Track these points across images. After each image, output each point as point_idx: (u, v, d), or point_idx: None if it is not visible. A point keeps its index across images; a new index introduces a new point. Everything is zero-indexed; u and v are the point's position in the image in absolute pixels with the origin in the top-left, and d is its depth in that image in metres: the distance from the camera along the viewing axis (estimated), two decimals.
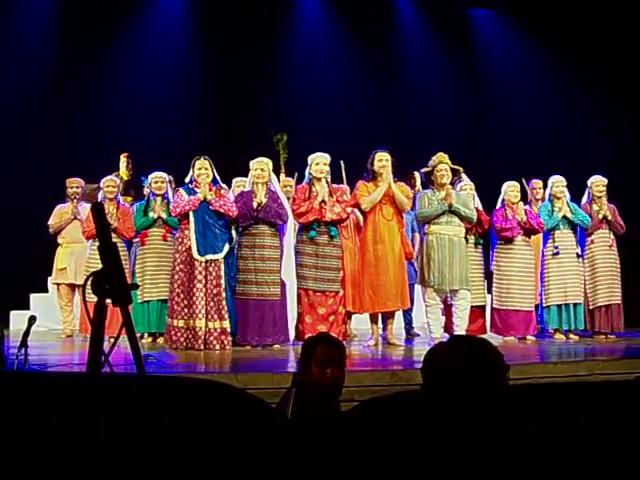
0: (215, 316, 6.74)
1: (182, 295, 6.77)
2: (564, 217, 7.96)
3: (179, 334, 6.75)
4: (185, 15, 11.56)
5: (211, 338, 6.71)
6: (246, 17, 11.14)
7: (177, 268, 6.84)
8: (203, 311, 6.70)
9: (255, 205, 6.96)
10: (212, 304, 6.73)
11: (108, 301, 1.45)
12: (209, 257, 6.78)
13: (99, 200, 7.76)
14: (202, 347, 6.65)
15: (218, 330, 6.73)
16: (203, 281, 6.74)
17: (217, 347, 6.69)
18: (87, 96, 10.69)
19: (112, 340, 1.70)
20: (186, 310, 6.75)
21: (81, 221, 8.08)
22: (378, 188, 7.10)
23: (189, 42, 11.48)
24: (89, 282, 1.44)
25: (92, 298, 1.61)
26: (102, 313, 1.39)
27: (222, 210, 6.88)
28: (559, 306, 8.00)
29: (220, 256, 6.85)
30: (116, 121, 10.52)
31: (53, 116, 10.51)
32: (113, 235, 7.51)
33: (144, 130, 10.40)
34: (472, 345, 1.96)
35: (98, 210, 1.40)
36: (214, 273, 6.78)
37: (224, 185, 7.81)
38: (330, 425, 3.36)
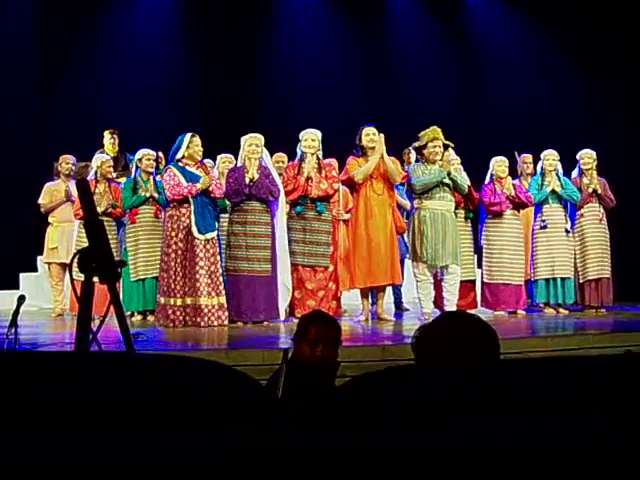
0: (213, 293, 6.74)
1: (181, 274, 6.75)
2: (553, 191, 7.96)
3: (178, 312, 6.73)
4: None
5: (209, 314, 6.73)
6: None
7: (173, 247, 6.78)
8: (207, 289, 6.70)
9: (247, 180, 6.93)
10: (209, 281, 6.73)
11: (96, 279, 1.44)
12: (208, 236, 6.79)
13: (91, 177, 7.71)
14: (203, 324, 6.65)
15: (216, 306, 6.74)
16: (204, 259, 6.74)
17: (215, 323, 6.71)
18: (75, 74, 10.59)
19: (100, 318, 1.68)
20: (186, 289, 6.73)
21: (73, 202, 8.00)
22: (370, 159, 7.07)
23: (177, 21, 11.34)
24: (75, 260, 1.43)
25: (81, 277, 1.60)
26: (89, 291, 1.37)
27: (214, 193, 6.91)
28: (547, 280, 8.02)
29: (216, 233, 6.89)
30: (103, 98, 10.42)
31: (41, 94, 10.41)
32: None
33: (130, 107, 10.31)
34: (465, 321, 1.95)
35: (83, 186, 1.38)
36: (211, 250, 6.80)
37: (210, 161, 7.79)
38: (321, 403, 3.37)
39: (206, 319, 6.69)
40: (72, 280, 1.49)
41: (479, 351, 1.91)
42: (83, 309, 1.35)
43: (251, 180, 6.93)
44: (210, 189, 6.86)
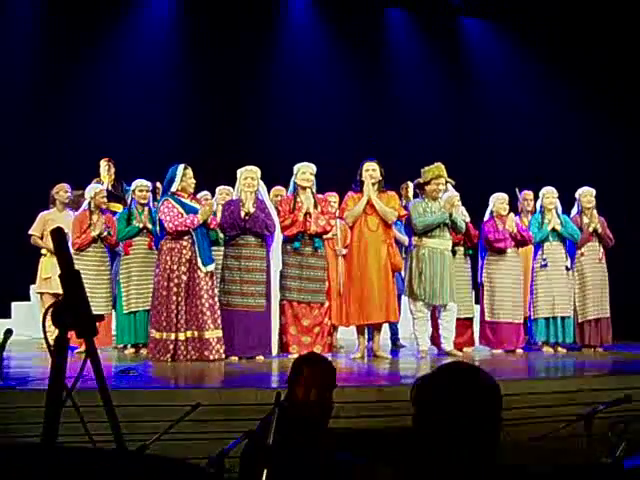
0: (212, 325, 6.63)
1: (184, 308, 6.60)
2: (553, 229, 7.89)
3: (182, 347, 6.57)
4: (170, 21, 11.46)
5: (217, 347, 6.63)
6: (233, 24, 11.08)
7: (176, 280, 6.62)
8: (209, 321, 6.59)
9: (243, 214, 6.84)
10: (208, 314, 6.62)
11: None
12: (210, 268, 6.70)
13: (83, 207, 7.61)
14: (212, 357, 6.54)
15: (215, 339, 6.63)
16: (208, 292, 6.64)
17: (216, 356, 6.59)
18: (70, 102, 10.57)
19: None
20: (188, 322, 6.59)
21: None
22: (359, 202, 7.00)
23: (174, 49, 11.36)
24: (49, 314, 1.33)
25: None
26: (63, 347, 1.27)
27: (211, 224, 6.84)
28: (547, 319, 7.93)
29: (214, 266, 6.78)
30: (99, 127, 10.39)
31: (36, 121, 10.36)
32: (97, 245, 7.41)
33: (127, 136, 10.28)
34: (465, 375, 1.85)
35: (58, 236, 1.29)
36: (210, 283, 6.71)
37: (207, 193, 7.74)
38: (315, 448, 3.27)
39: (214, 352, 6.59)
40: (45, 333, 1.38)
41: (480, 407, 1.82)
42: (56, 367, 1.25)
43: (247, 214, 6.85)
44: (208, 220, 6.79)
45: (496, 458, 1.84)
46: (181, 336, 6.59)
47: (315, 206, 7.10)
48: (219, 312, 6.73)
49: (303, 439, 3.22)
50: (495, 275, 7.86)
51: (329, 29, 11.79)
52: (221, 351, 6.65)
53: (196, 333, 6.60)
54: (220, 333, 6.68)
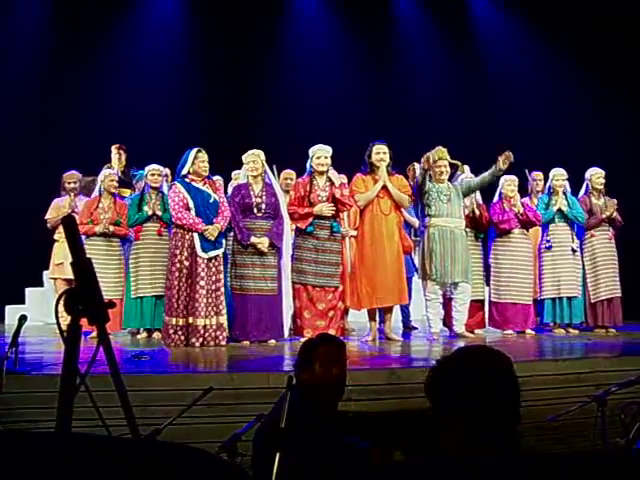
0: (212, 312, 6.62)
1: (185, 293, 6.61)
2: (559, 211, 7.87)
3: (180, 332, 6.60)
4: (181, 7, 11.46)
5: (206, 335, 6.60)
6: (242, 8, 11.04)
7: (177, 265, 6.64)
8: (206, 309, 6.58)
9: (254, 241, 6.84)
10: (209, 300, 6.61)
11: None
12: (212, 254, 6.66)
13: (96, 193, 7.66)
14: (199, 344, 6.53)
15: (214, 326, 6.63)
16: (205, 278, 6.62)
17: (212, 344, 6.58)
18: (82, 88, 10.59)
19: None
20: (188, 307, 6.59)
21: (77, 214, 7.93)
22: (374, 187, 6.97)
23: (185, 34, 11.38)
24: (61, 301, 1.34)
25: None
26: (76, 334, 1.28)
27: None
28: (553, 299, 7.93)
29: (221, 251, 6.74)
30: (110, 113, 10.40)
31: (48, 109, 10.39)
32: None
33: (138, 122, 10.28)
34: (480, 358, 1.82)
35: (69, 224, 1.30)
36: (214, 269, 6.66)
37: (220, 178, 7.73)
38: (328, 427, 3.29)
39: (201, 340, 6.55)
40: (57, 319, 1.40)
41: (497, 390, 1.80)
42: (69, 353, 1.26)
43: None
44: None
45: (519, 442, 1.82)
46: (180, 321, 6.60)
47: (331, 187, 7.02)
48: (222, 298, 6.68)
49: (317, 421, 3.24)
50: (502, 256, 7.84)
51: (338, 9, 11.74)
52: (220, 337, 6.61)
53: (190, 319, 6.58)
54: (221, 320, 6.63)
